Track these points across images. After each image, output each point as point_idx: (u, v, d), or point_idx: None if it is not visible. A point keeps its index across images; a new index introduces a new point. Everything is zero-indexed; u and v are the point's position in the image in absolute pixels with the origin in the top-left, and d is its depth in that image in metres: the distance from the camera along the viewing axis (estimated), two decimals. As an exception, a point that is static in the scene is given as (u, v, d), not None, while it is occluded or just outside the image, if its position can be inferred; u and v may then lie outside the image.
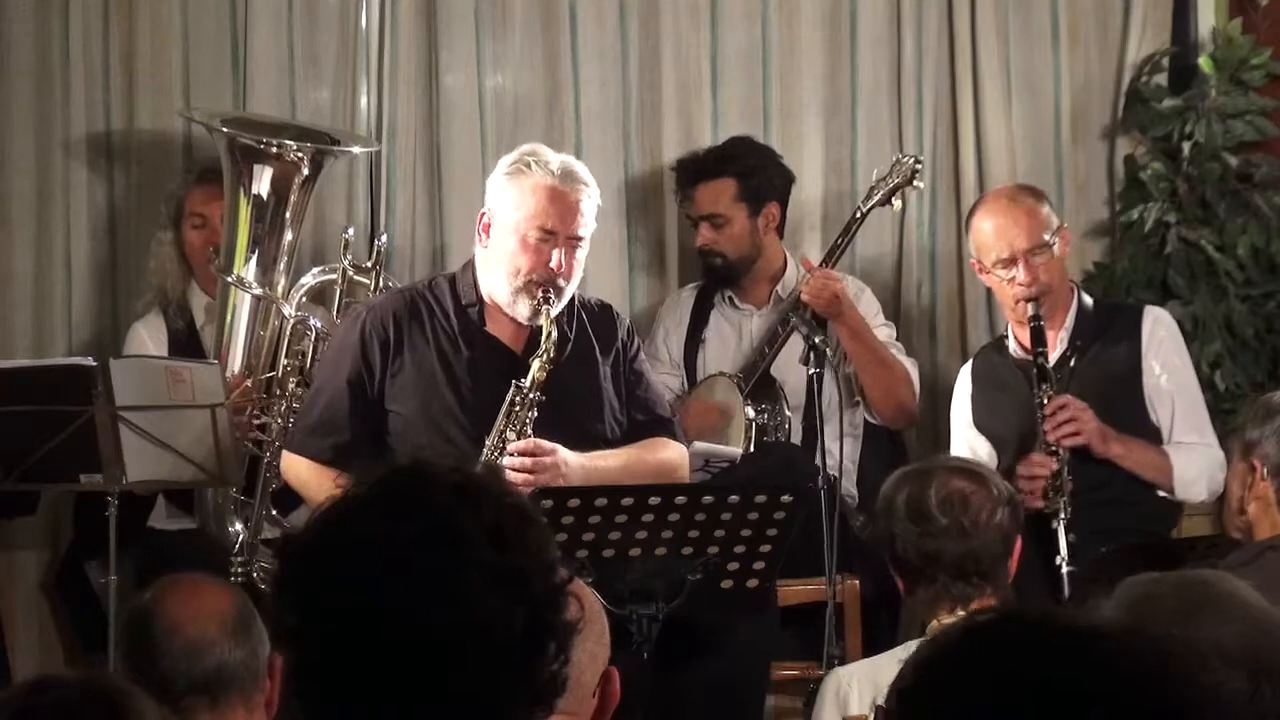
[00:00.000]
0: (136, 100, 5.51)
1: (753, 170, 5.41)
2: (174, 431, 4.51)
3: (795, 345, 4.97)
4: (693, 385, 5.43)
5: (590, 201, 4.39)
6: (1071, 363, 4.91)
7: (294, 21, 5.57)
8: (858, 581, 4.76)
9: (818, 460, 4.81)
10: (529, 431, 4.30)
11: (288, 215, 5.04)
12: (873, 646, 4.57)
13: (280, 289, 5.02)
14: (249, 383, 4.95)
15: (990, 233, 4.90)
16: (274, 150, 5.00)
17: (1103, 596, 2.22)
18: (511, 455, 4.26)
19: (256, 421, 4.87)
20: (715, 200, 5.41)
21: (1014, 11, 5.77)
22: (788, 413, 5.26)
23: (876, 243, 5.76)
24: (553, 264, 4.32)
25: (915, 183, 5.26)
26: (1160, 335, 4.98)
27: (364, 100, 5.59)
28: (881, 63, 5.78)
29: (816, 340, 4.63)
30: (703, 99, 5.73)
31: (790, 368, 5.14)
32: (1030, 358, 4.84)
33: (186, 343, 5.19)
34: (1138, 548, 4.46)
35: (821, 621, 4.41)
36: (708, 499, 3.97)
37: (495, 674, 1.82)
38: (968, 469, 3.63)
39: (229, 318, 5.08)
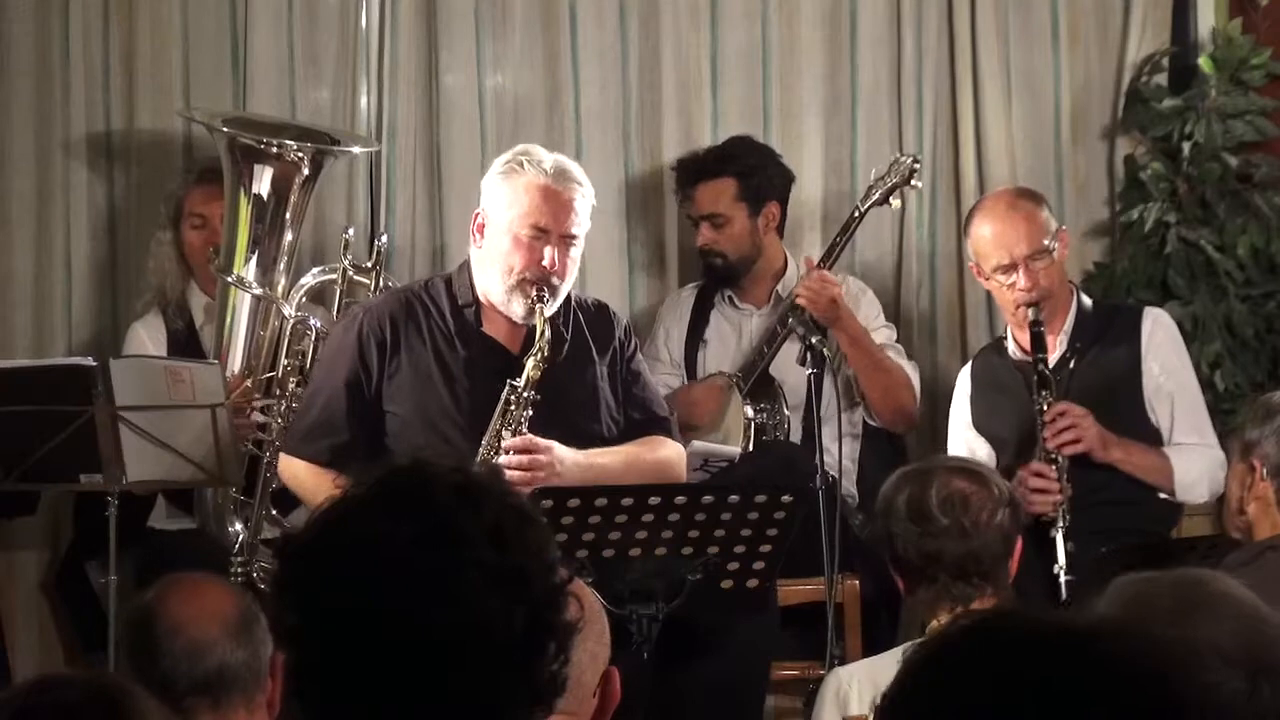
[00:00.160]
0: (136, 100, 5.51)
1: (753, 170, 5.41)
2: (174, 431, 4.51)
3: (795, 345, 4.96)
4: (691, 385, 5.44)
5: (584, 200, 4.39)
6: (1071, 365, 4.91)
7: (294, 21, 5.57)
8: (858, 581, 4.76)
9: (817, 460, 4.80)
10: (524, 431, 4.31)
11: (288, 215, 5.04)
12: (873, 646, 4.57)
13: (280, 289, 5.02)
14: (249, 383, 4.95)
15: (989, 239, 4.89)
16: (274, 150, 5.00)
17: (1096, 596, 2.22)
18: (507, 454, 4.27)
19: (260, 419, 4.87)
20: (715, 200, 5.41)
21: (1014, 11, 5.77)
22: (786, 412, 5.26)
23: (876, 244, 5.76)
24: (546, 262, 4.33)
25: (913, 182, 5.25)
26: (1159, 336, 4.97)
27: (364, 100, 5.59)
28: (881, 63, 5.78)
29: (814, 341, 4.63)
30: (703, 99, 5.73)
31: (790, 367, 5.13)
32: (1029, 359, 4.83)
33: (186, 343, 5.19)
34: (1138, 548, 4.46)
35: (821, 621, 4.41)
36: (708, 499, 3.97)
37: (495, 674, 1.82)
38: (968, 469, 3.63)
39: (229, 318, 5.08)
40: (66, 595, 5.34)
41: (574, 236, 4.38)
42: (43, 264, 5.47)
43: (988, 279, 4.93)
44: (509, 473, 4.15)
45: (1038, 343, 4.79)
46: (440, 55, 5.62)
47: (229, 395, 4.64)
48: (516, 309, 4.38)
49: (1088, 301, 5.04)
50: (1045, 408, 4.73)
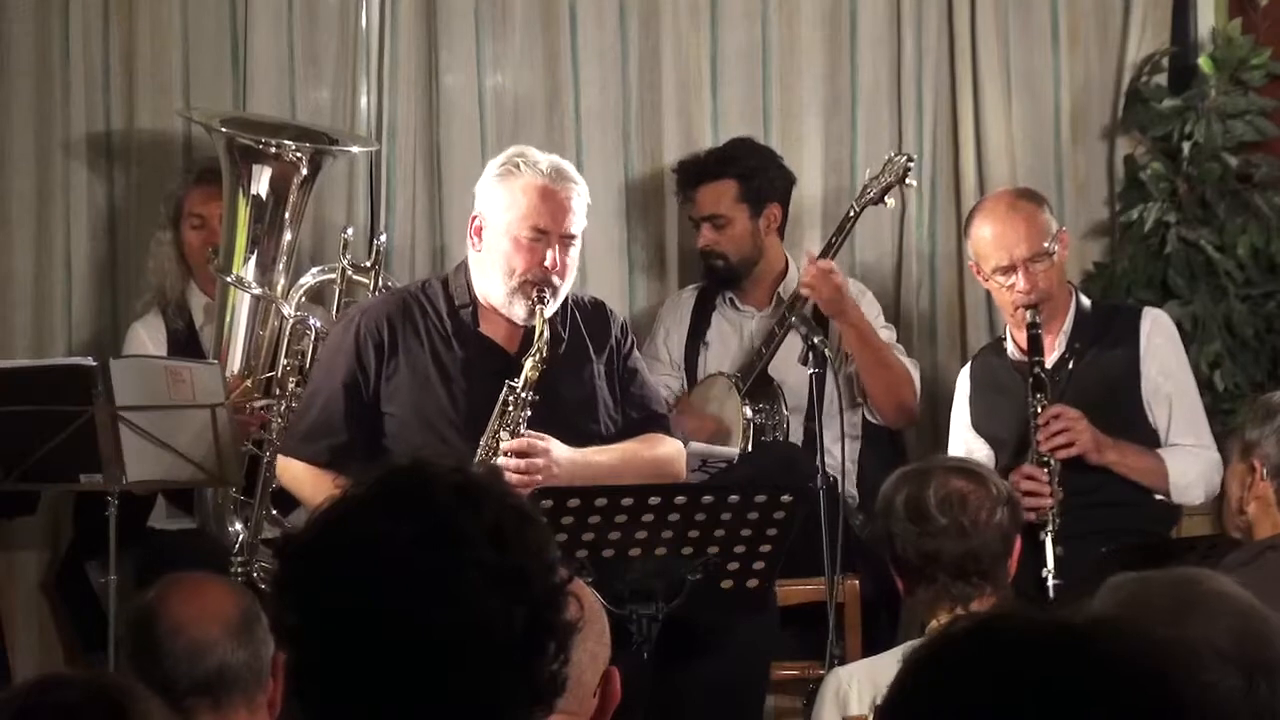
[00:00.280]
0: (136, 100, 5.51)
1: (754, 171, 5.42)
2: (174, 431, 4.51)
3: (794, 345, 4.96)
4: (692, 387, 5.44)
5: (580, 199, 4.40)
6: (1070, 365, 4.90)
7: (294, 21, 5.57)
8: (858, 581, 4.76)
9: (817, 460, 4.80)
10: (523, 431, 4.31)
11: (287, 215, 5.04)
12: (873, 646, 4.57)
13: (279, 289, 5.02)
14: (249, 382, 4.95)
15: (989, 240, 4.88)
16: (273, 150, 5.00)
17: (1089, 596, 2.22)
18: (505, 455, 4.27)
19: (260, 409, 4.87)
20: (717, 201, 5.41)
21: (1014, 12, 5.77)
22: (785, 412, 5.26)
23: (876, 244, 5.76)
24: (547, 263, 4.33)
25: (908, 181, 5.25)
26: (1158, 337, 4.97)
27: (364, 100, 5.59)
28: (881, 63, 5.78)
29: (816, 340, 4.63)
30: (703, 99, 5.73)
31: (789, 368, 5.13)
32: (1028, 360, 4.83)
33: (185, 343, 5.19)
34: (1138, 548, 4.45)
35: (822, 621, 4.41)
36: (708, 499, 3.97)
37: (495, 674, 1.82)
38: (966, 469, 3.63)
39: (228, 318, 5.08)
40: (66, 595, 5.34)
41: (573, 235, 4.39)
42: (43, 264, 5.47)
43: (987, 280, 4.93)
44: (509, 476, 4.15)
45: (1034, 345, 4.79)
46: (440, 55, 5.62)
47: (229, 395, 4.64)
48: (518, 311, 4.39)
49: (1086, 302, 5.03)
50: (1039, 410, 4.73)
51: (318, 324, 4.93)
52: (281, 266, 5.05)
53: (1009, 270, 4.84)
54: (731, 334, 5.48)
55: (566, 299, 4.49)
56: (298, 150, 5.02)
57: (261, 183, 5.00)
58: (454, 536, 1.82)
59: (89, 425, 4.44)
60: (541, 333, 4.30)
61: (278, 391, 4.92)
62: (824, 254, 5.30)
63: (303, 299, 5.00)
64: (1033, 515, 4.55)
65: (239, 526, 4.90)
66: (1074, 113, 5.82)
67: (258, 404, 4.89)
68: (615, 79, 5.71)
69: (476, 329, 4.47)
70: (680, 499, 3.96)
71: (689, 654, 4.20)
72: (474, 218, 4.45)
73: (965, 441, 5.03)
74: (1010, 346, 5.00)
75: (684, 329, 5.50)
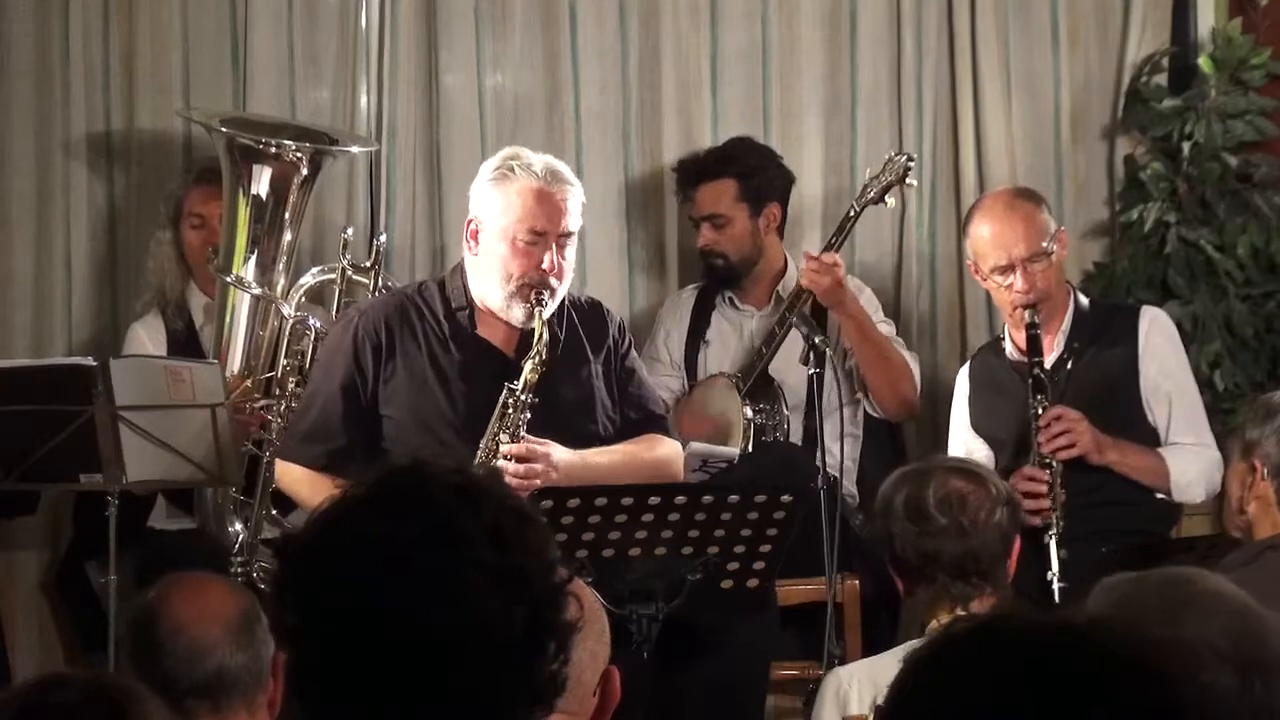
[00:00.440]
0: (136, 100, 5.51)
1: (753, 171, 5.42)
2: (174, 431, 4.50)
3: (794, 345, 4.96)
4: (693, 387, 5.44)
5: (576, 199, 4.40)
6: (1069, 365, 4.90)
7: (294, 21, 5.57)
8: (858, 581, 4.76)
9: (818, 460, 4.80)
10: (523, 434, 4.31)
11: (287, 215, 5.04)
12: (873, 646, 4.57)
13: (279, 289, 5.02)
14: (248, 382, 4.95)
15: (988, 240, 4.88)
16: (273, 150, 5.00)
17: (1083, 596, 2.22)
18: (505, 459, 4.27)
19: (260, 409, 4.87)
20: (716, 201, 5.41)
21: (1014, 12, 5.77)
22: (786, 412, 5.26)
23: (876, 244, 5.76)
24: (545, 265, 4.34)
25: (908, 180, 5.25)
26: (1157, 336, 4.96)
27: (364, 100, 5.59)
28: (881, 63, 5.78)
29: (816, 340, 4.63)
30: (703, 99, 5.73)
31: (790, 367, 5.13)
32: (1026, 360, 4.83)
33: (185, 343, 5.19)
34: (1137, 548, 4.46)
35: (821, 621, 4.41)
36: (708, 499, 3.97)
37: (495, 674, 1.82)
38: (966, 469, 3.63)
39: (228, 318, 5.08)
40: (66, 595, 5.34)
41: (570, 235, 4.39)
42: (43, 264, 5.48)
43: (985, 279, 4.92)
44: (509, 480, 4.15)
45: (1033, 346, 4.79)
46: (440, 55, 5.62)
47: (229, 395, 4.64)
48: (517, 314, 4.39)
49: (1085, 301, 5.03)
50: (1040, 412, 4.73)
51: (317, 324, 4.93)
52: (281, 266, 5.05)
53: (1007, 270, 4.84)
54: (731, 334, 5.48)
55: (563, 299, 4.49)
56: (298, 150, 5.02)
57: (261, 183, 5.00)
58: (454, 536, 1.82)
59: (89, 425, 4.44)
60: (540, 335, 4.30)
61: (277, 391, 4.92)
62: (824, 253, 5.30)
63: (303, 299, 5.00)
64: (1037, 520, 4.55)
65: (239, 526, 4.90)
66: (1074, 113, 5.82)
67: (258, 404, 4.89)
68: (615, 79, 5.71)
69: (474, 332, 4.47)
70: (680, 499, 3.96)
71: (689, 654, 4.20)
72: (469, 221, 4.44)
73: (965, 442, 5.03)
74: (1009, 346, 4.99)
75: (684, 329, 5.50)
